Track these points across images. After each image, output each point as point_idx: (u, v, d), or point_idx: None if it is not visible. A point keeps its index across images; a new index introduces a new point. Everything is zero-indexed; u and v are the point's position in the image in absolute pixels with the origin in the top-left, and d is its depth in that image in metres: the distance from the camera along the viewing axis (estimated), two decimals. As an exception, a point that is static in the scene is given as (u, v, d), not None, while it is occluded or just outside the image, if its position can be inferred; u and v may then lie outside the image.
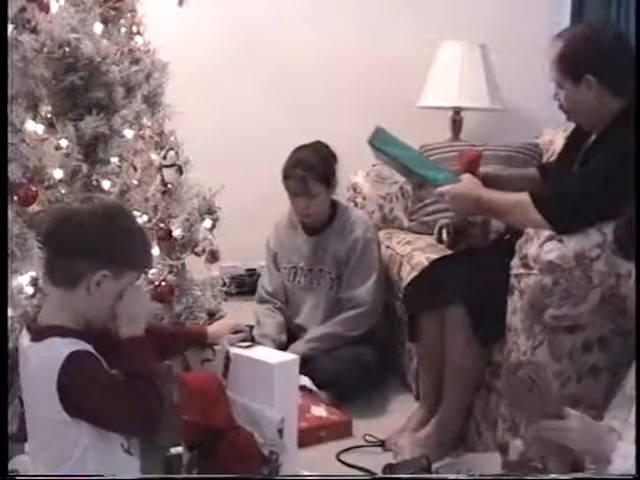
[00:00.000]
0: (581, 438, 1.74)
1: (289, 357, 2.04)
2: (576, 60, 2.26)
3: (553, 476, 1.74)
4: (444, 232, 2.64)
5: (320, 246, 3.03)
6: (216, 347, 2.03)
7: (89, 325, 1.72)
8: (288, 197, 3.02)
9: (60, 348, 1.62)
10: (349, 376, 2.79)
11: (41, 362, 1.64)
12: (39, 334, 1.67)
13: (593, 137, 2.34)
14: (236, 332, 2.07)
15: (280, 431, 1.90)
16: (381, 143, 2.45)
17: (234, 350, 2.01)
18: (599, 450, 1.72)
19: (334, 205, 3.06)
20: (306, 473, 2.04)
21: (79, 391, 1.60)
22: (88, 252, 1.64)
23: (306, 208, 2.98)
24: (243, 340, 2.06)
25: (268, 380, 1.92)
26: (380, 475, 2.23)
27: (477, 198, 2.36)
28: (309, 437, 2.40)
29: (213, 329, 2.07)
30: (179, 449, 2.06)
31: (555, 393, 1.89)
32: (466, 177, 2.43)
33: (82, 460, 1.64)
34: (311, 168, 2.92)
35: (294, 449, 1.98)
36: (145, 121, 2.54)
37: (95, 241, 1.64)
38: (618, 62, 2.25)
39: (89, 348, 1.65)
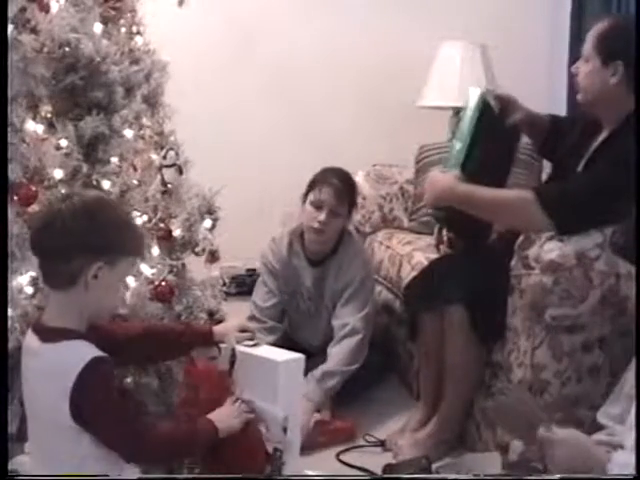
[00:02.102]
0: (567, 453, 1.74)
1: (295, 355, 2.04)
2: (613, 42, 2.26)
3: (553, 476, 1.74)
4: (444, 232, 2.63)
5: (321, 278, 2.94)
6: (222, 345, 2.04)
7: (92, 324, 1.72)
8: (307, 209, 2.87)
9: (81, 351, 1.63)
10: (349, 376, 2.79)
11: (58, 363, 1.64)
12: (49, 335, 1.67)
13: (603, 135, 2.33)
14: (242, 331, 2.07)
15: (284, 429, 1.90)
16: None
17: (240, 348, 2.01)
18: (589, 466, 1.72)
19: (341, 234, 2.95)
20: (310, 473, 2.05)
21: (93, 397, 1.60)
22: (77, 249, 1.65)
23: (325, 223, 2.83)
24: (250, 339, 2.07)
25: (273, 378, 1.93)
26: (380, 475, 2.23)
27: (450, 188, 2.33)
28: (312, 442, 2.41)
29: (219, 328, 2.07)
30: None
31: (538, 416, 1.88)
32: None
33: (82, 465, 1.64)
34: (346, 184, 2.87)
35: (298, 447, 1.98)
36: (145, 121, 2.53)
37: (81, 237, 1.65)
38: None
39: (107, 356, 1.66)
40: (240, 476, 1.82)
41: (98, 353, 1.64)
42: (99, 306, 1.73)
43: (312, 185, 2.88)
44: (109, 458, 1.67)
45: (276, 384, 1.92)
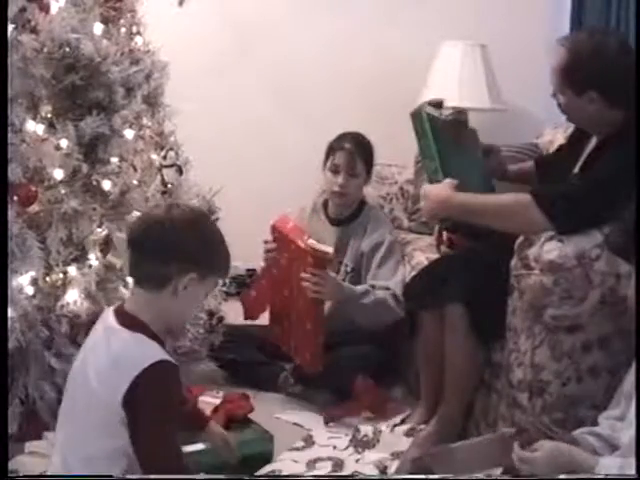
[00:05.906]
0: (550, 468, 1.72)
1: None
2: (580, 74, 2.21)
3: (554, 476, 1.74)
4: (444, 232, 2.64)
5: (343, 238, 3.05)
6: None
7: (167, 329, 1.74)
8: (326, 175, 3.02)
9: (153, 349, 1.64)
10: (349, 375, 2.79)
11: (128, 351, 1.64)
12: (128, 321, 1.68)
13: (595, 142, 2.33)
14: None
15: None
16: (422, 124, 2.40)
17: None
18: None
19: (362, 201, 3.12)
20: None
21: (149, 396, 1.60)
22: (179, 255, 1.67)
23: (344, 186, 3.00)
24: None
25: None
26: (379, 475, 2.23)
27: (445, 200, 2.33)
28: None
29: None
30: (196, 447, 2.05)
31: None
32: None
33: (124, 447, 1.63)
34: (360, 146, 3.03)
35: None
36: (145, 121, 2.54)
37: (186, 244, 1.68)
38: (621, 75, 2.20)
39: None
40: (239, 476, 1.83)
41: (168, 357, 1.64)
42: (180, 315, 1.75)
43: (328, 152, 3.05)
44: None
45: None
